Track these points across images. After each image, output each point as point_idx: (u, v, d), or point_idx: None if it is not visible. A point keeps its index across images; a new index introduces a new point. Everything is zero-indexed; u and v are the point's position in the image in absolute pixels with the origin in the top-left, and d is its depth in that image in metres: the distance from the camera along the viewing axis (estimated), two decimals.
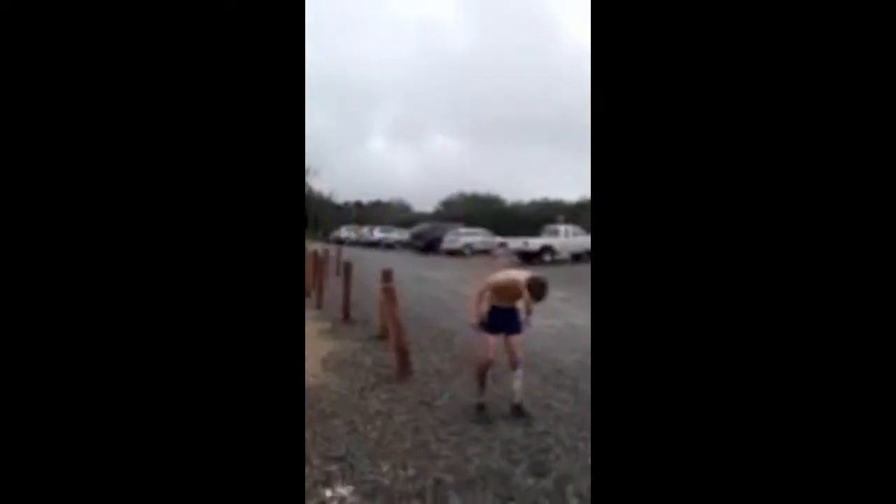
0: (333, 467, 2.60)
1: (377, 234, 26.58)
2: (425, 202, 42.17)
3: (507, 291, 3.26)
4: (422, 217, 32.69)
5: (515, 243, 17.13)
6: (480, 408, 3.33)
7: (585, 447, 2.80)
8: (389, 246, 24.63)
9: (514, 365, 3.31)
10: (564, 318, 6.40)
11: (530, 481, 2.45)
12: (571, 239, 16.90)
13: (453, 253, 19.48)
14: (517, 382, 3.32)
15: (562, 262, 16.23)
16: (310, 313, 7.30)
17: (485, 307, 3.31)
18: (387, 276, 4.84)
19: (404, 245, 24.05)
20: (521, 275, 3.28)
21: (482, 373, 3.38)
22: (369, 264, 10.00)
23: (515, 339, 3.31)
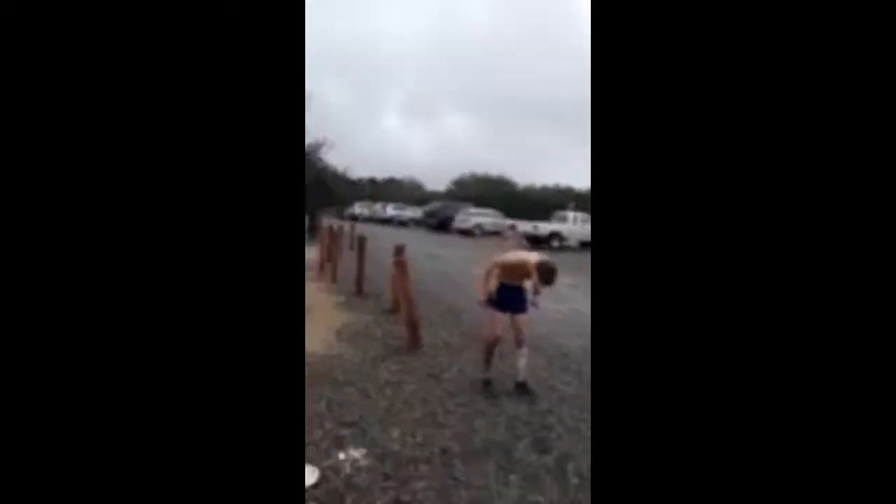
0: (346, 432, 2.75)
1: (390, 211, 26.67)
2: (437, 181, 42.05)
3: (515, 271, 3.35)
4: (434, 196, 32.65)
5: (525, 227, 17.17)
6: (487, 383, 3.46)
7: (587, 428, 2.91)
8: (402, 223, 24.75)
9: (519, 343, 3.42)
10: (571, 304, 6.49)
11: (533, 457, 2.58)
12: (580, 226, 16.86)
13: (464, 232, 19.56)
14: (522, 361, 3.44)
15: (570, 249, 16.23)
16: (324, 286, 7.49)
17: (493, 284, 3.40)
18: (399, 250, 5.03)
19: (417, 223, 24.16)
20: (530, 256, 3.36)
21: (489, 349, 3.50)
22: (382, 240, 10.13)
23: (521, 317, 3.41)
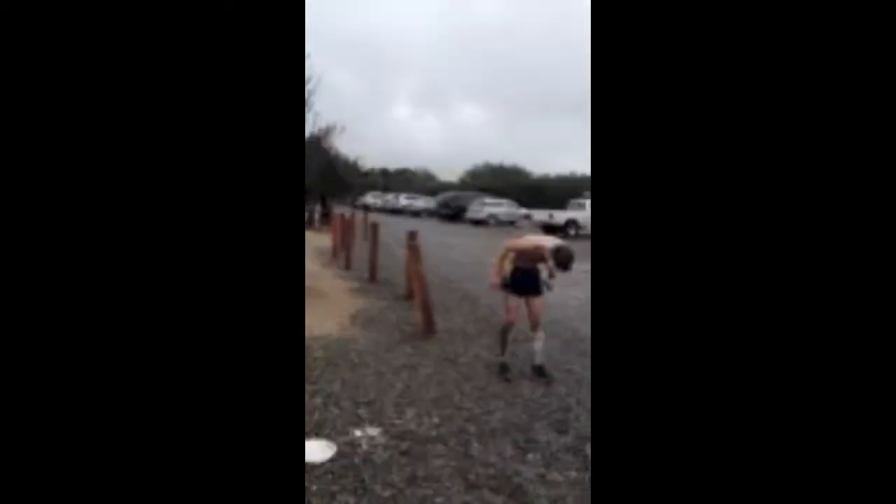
0: (362, 410, 2.74)
1: (403, 200, 26.67)
2: (451, 171, 41.98)
3: (530, 254, 3.30)
4: (447, 186, 32.57)
5: (540, 215, 17.02)
6: (503, 367, 3.43)
7: None
8: (415, 213, 24.74)
9: (534, 327, 3.38)
10: (587, 290, 6.41)
11: (551, 436, 2.55)
12: None
13: (478, 222, 19.47)
14: (538, 344, 3.40)
15: (586, 237, 16.07)
16: (338, 272, 7.51)
17: (507, 268, 3.37)
18: (412, 235, 5.06)
19: (430, 213, 24.12)
20: (546, 240, 3.30)
21: (504, 333, 3.47)
22: (395, 229, 10.11)
23: (536, 301, 3.37)
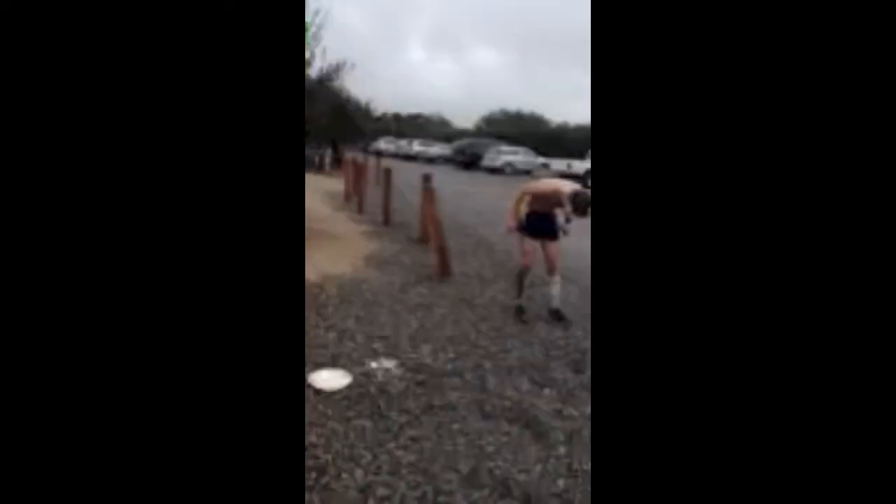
0: (377, 345, 2.74)
1: (416, 147, 26.13)
2: (466, 118, 40.86)
3: (547, 199, 3.21)
4: (462, 133, 31.76)
5: (558, 165, 16.63)
6: (519, 309, 3.40)
7: None
8: (429, 160, 24.28)
9: (551, 271, 3.32)
10: None
11: (567, 375, 2.53)
12: None
13: (494, 171, 19.09)
14: (555, 287, 3.35)
15: None
16: (351, 216, 7.46)
17: (522, 211, 3.28)
18: (427, 178, 4.94)
19: (445, 160, 23.66)
20: (564, 185, 3.19)
21: (520, 277, 3.41)
22: (409, 176, 9.94)
23: (552, 245, 3.30)
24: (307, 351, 2.54)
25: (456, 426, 1.99)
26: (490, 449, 1.87)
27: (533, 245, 3.31)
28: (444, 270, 4.29)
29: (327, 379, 2.27)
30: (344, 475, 1.66)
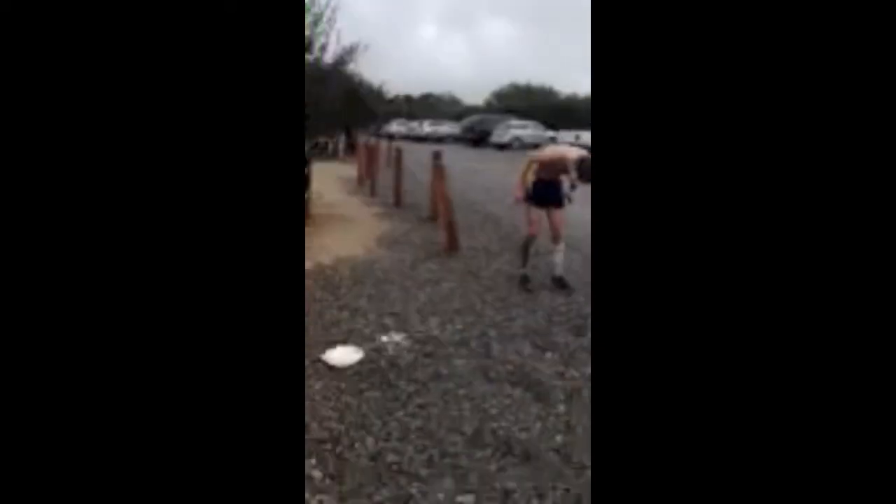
0: (388, 320, 2.87)
1: (426, 128, 26.04)
2: (477, 94, 40.36)
3: (553, 166, 3.23)
4: (473, 110, 31.42)
5: (567, 137, 16.40)
6: (524, 279, 3.48)
7: None
8: (440, 139, 24.17)
9: (556, 238, 3.37)
10: None
11: (569, 339, 2.62)
12: None
13: (502, 146, 18.94)
14: (559, 256, 3.41)
15: None
16: (364, 199, 7.58)
17: (529, 179, 3.32)
18: (436, 156, 5.02)
19: (455, 139, 23.55)
20: (570, 151, 3.21)
21: (526, 246, 3.48)
22: (419, 156, 9.98)
23: (557, 213, 3.34)
24: (322, 331, 2.69)
25: (461, 392, 2.11)
26: (493, 411, 1.98)
27: (539, 214, 3.36)
28: (453, 245, 4.38)
29: (340, 355, 2.41)
30: (356, 444, 1.80)
